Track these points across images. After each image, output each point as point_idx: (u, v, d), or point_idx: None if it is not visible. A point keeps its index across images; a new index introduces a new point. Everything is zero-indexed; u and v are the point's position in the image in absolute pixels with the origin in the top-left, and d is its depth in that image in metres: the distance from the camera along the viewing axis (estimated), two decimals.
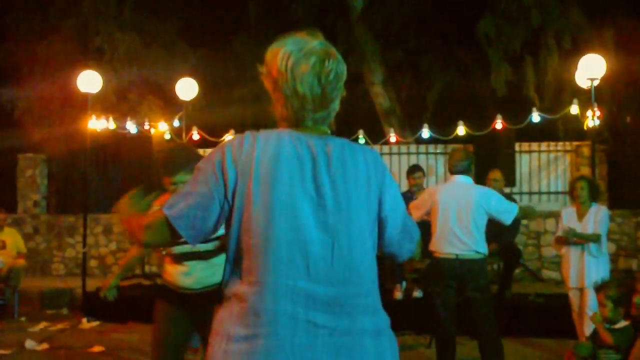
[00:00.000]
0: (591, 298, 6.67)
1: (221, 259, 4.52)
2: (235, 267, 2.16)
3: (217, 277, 4.42)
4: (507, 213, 6.00)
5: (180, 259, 4.48)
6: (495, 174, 8.91)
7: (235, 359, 2.04)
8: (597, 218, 6.95)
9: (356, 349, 2.10)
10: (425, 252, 5.60)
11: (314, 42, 2.22)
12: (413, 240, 2.45)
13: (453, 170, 6.17)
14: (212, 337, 2.15)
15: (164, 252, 4.58)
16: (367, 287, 2.19)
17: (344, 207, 2.15)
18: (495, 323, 6.01)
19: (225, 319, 2.11)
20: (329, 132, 2.29)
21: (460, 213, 5.91)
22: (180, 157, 4.33)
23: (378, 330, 2.18)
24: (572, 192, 7.26)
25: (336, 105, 2.28)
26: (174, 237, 2.22)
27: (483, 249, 5.94)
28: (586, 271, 6.93)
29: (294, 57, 2.18)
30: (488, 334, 5.93)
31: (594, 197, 7.12)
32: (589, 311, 6.73)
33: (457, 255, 5.91)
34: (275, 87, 2.23)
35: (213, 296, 4.44)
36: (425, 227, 5.25)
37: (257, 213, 2.09)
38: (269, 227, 2.08)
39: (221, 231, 2.26)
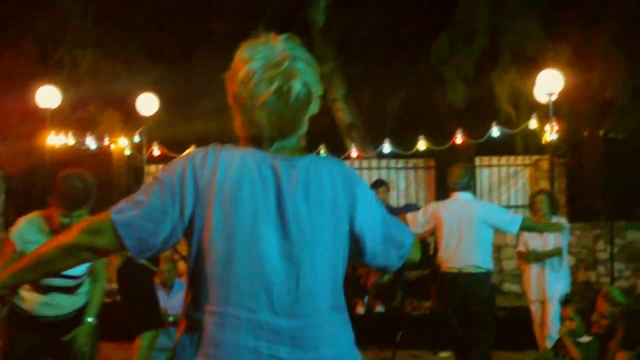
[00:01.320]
0: (553, 310, 6.74)
1: (85, 287, 4.39)
2: (194, 291, 2.03)
3: (78, 304, 4.35)
4: (511, 224, 6.18)
5: (44, 290, 4.16)
6: None
7: None
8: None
9: None
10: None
11: (285, 62, 2.02)
12: (402, 246, 2.26)
13: (454, 188, 6.26)
14: None
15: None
16: (329, 314, 2.07)
17: (308, 234, 2.01)
18: (491, 337, 6.08)
19: (187, 346, 2.01)
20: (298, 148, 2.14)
21: (462, 229, 6.03)
22: (81, 194, 4.02)
23: (341, 355, 2.08)
24: (532, 206, 7.35)
25: (303, 130, 2.13)
26: (121, 248, 2.02)
27: (485, 264, 6.05)
28: (547, 283, 7.01)
29: (255, 79, 2.01)
30: (479, 340, 5.97)
31: (554, 210, 7.22)
32: (551, 323, 6.81)
33: (459, 269, 6.02)
34: (235, 103, 2.08)
35: (72, 322, 4.34)
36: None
37: (217, 240, 1.96)
38: (229, 257, 1.96)
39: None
